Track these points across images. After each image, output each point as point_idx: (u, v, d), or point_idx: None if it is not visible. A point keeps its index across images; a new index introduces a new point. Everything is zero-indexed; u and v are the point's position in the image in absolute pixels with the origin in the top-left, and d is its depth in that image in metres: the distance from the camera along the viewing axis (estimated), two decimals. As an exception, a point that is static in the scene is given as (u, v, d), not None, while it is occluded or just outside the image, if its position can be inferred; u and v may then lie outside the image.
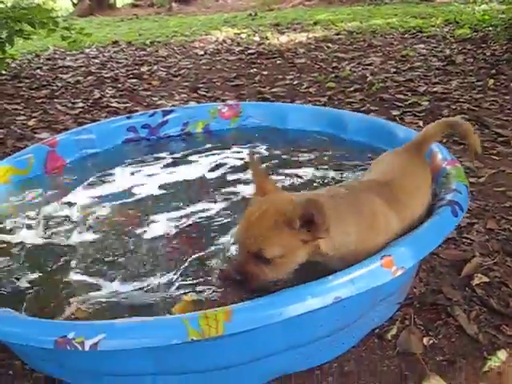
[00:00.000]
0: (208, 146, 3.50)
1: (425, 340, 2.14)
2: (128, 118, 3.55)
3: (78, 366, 1.81)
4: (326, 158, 3.15)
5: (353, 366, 2.03)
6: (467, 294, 2.36)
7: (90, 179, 3.11)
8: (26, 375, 2.05)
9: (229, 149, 3.39)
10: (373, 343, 2.14)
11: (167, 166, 3.26)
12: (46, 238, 2.55)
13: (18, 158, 3.09)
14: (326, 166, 3.05)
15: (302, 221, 1.72)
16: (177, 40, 8.89)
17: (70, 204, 2.85)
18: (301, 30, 9.26)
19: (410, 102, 5.08)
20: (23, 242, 2.52)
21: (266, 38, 8.56)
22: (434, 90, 5.43)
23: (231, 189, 2.89)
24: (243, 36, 8.79)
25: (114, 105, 5.36)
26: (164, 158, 3.35)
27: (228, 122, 3.59)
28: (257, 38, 8.61)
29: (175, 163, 3.29)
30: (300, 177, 2.96)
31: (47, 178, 3.19)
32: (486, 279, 2.44)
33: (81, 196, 2.92)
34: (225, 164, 3.21)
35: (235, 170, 3.13)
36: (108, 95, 5.73)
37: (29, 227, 2.64)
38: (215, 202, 2.76)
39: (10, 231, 2.63)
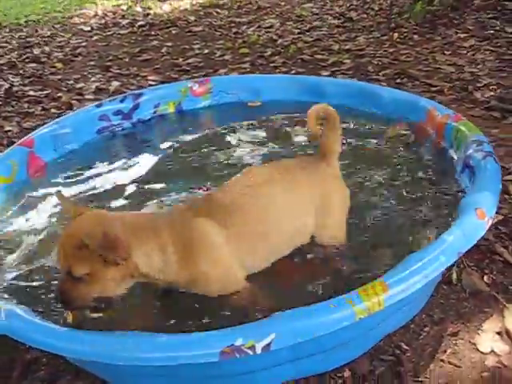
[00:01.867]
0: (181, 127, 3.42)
1: (485, 278, 2.33)
2: (98, 106, 3.33)
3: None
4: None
5: (441, 314, 2.18)
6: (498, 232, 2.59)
7: (74, 179, 3.00)
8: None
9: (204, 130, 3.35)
10: (443, 290, 2.30)
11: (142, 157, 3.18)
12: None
13: (1, 163, 2.80)
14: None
15: (100, 251, 1.73)
16: (52, 17, 8.33)
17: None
18: (180, -3, 9.07)
19: (331, 61, 5.26)
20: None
21: (149, 8, 8.30)
22: (347, 47, 5.67)
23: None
24: (124, 8, 8.45)
25: (32, 93, 4.97)
26: (139, 148, 3.26)
27: (199, 99, 3.51)
28: (139, 9, 8.33)
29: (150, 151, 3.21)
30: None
31: (32, 183, 2.94)
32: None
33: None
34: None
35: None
36: (17, 83, 5.27)
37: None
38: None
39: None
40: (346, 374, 1.96)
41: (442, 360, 2.00)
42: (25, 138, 3.06)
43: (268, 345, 1.54)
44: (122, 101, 3.41)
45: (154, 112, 3.48)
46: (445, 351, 2.03)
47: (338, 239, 2.28)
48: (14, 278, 2.25)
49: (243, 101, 3.49)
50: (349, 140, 2.95)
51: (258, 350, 1.54)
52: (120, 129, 3.37)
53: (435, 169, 2.69)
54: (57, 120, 3.26)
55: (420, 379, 1.93)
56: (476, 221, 1.92)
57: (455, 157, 2.65)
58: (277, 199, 2.11)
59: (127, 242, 1.77)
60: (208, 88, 3.52)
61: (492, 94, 4.20)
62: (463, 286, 2.32)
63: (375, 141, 2.97)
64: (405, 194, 2.53)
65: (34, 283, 2.22)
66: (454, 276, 2.35)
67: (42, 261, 2.36)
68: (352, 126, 3.11)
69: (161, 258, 1.86)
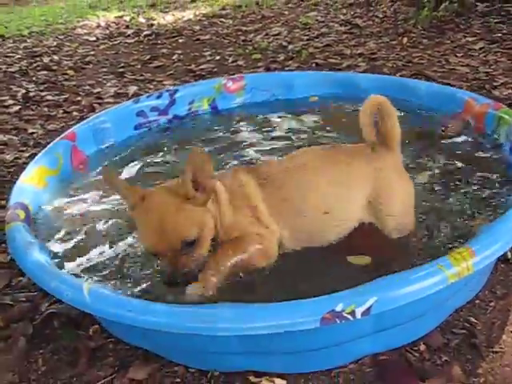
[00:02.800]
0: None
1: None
2: (135, 102, 3.36)
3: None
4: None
5: (503, 289, 2.22)
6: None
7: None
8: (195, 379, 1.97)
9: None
10: (502, 268, 2.35)
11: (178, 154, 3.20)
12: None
13: (48, 156, 2.80)
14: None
15: (193, 179, 1.84)
16: (54, 28, 8.34)
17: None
18: (182, 9, 9.15)
19: (346, 64, 5.32)
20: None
21: (153, 19, 8.34)
22: (359, 52, 5.74)
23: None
24: (127, 19, 8.48)
25: (50, 98, 4.98)
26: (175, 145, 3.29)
27: (233, 95, 3.55)
28: (142, 20, 8.37)
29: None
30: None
31: (76, 175, 2.94)
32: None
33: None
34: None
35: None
36: (32, 89, 5.27)
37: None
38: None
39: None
40: (422, 347, 1.98)
41: (513, 332, 2.02)
42: (67, 132, 3.05)
43: (368, 309, 1.56)
44: (158, 97, 3.41)
45: (189, 109, 3.49)
46: (514, 324, 2.05)
47: (403, 228, 2.27)
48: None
49: (277, 97, 3.51)
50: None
51: (358, 315, 1.56)
52: (156, 125, 3.36)
53: (483, 153, 2.72)
54: (97, 115, 3.26)
55: (495, 350, 1.96)
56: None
57: (501, 141, 2.69)
58: (322, 181, 2.14)
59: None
60: (242, 85, 3.53)
61: (510, 91, 4.26)
62: (520, 263, 2.35)
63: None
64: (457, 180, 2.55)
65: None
66: (509, 255, 2.38)
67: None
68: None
69: (221, 204, 2.02)
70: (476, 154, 2.76)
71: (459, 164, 2.67)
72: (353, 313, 1.55)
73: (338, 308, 1.55)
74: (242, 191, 2.08)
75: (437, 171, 2.63)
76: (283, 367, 1.87)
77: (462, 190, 2.49)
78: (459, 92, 3.12)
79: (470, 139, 2.89)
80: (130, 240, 2.33)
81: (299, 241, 2.15)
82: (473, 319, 2.08)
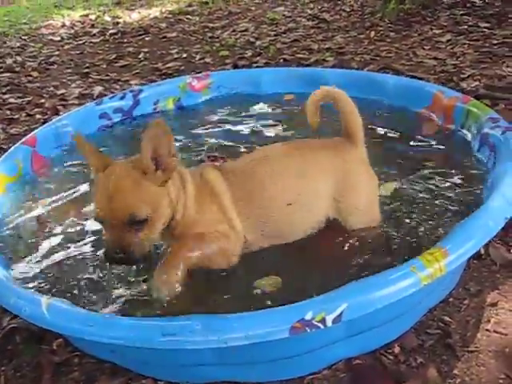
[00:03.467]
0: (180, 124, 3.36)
1: (512, 250, 2.36)
2: (98, 104, 3.26)
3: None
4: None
5: (477, 286, 2.19)
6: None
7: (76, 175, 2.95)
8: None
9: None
10: (474, 264, 2.32)
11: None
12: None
13: (7, 162, 2.70)
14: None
15: (153, 155, 1.82)
16: (18, 29, 8.14)
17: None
18: (148, 6, 9.02)
19: (314, 59, 5.28)
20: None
21: (118, 17, 8.20)
22: (327, 46, 5.70)
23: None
24: (92, 17, 8.33)
25: (12, 101, 4.84)
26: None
27: (199, 94, 3.47)
28: (108, 18, 8.22)
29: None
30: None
31: (38, 180, 2.85)
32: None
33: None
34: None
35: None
36: (-6, 92, 5.12)
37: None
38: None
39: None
40: (396, 349, 1.94)
41: (488, 330, 2.00)
42: (26, 136, 2.94)
43: (339, 316, 1.50)
44: (122, 98, 3.31)
45: (154, 109, 3.40)
46: (488, 321, 2.04)
47: (368, 224, 2.24)
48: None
49: (242, 94, 3.44)
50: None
51: (329, 323, 1.50)
52: (120, 126, 3.27)
53: (452, 151, 2.69)
54: (58, 118, 3.15)
55: (470, 349, 1.93)
56: (514, 187, 1.93)
57: (469, 137, 2.66)
58: (286, 174, 2.11)
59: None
60: (207, 83, 3.46)
61: (477, 83, 4.26)
62: (492, 259, 2.33)
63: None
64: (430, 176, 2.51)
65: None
66: (482, 250, 2.36)
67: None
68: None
69: (186, 195, 1.99)
70: (444, 152, 2.71)
71: (428, 163, 2.61)
72: (323, 320, 1.50)
73: (308, 316, 1.50)
74: (210, 187, 2.05)
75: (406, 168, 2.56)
76: (255, 376, 1.81)
77: (431, 189, 2.43)
78: (427, 86, 3.06)
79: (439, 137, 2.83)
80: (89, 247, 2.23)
81: (265, 237, 2.11)
82: (447, 318, 2.05)
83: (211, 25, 7.18)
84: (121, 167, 1.86)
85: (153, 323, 1.59)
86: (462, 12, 6.11)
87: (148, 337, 1.53)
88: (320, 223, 2.19)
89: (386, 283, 1.58)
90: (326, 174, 2.16)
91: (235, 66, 5.34)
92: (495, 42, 5.09)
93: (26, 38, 7.52)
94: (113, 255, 1.80)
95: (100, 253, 2.17)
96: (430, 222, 2.23)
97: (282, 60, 5.38)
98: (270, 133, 3.04)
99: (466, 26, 5.71)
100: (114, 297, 2.01)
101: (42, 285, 2.13)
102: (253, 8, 7.94)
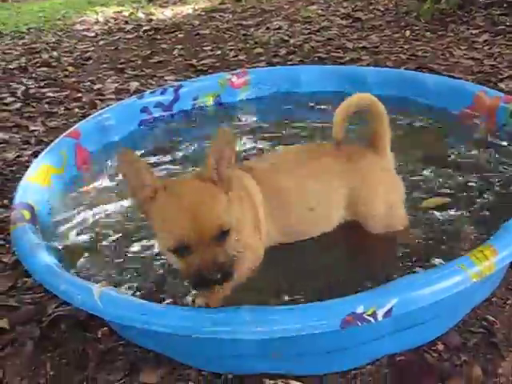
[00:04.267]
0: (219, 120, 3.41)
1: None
2: (139, 98, 3.30)
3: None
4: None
5: None
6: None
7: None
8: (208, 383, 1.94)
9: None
10: (517, 265, 2.30)
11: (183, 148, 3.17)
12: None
13: (53, 154, 2.75)
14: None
15: (214, 166, 1.72)
16: (53, 24, 8.25)
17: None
18: (181, 4, 9.07)
19: (349, 58, 5.26)
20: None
21: (151, 14, 8.26)
22: (362, 45, 5.68)
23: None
24: (125, 14, 8.41)
25: (50, 95, 4.92)
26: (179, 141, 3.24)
27: (238, 91, 3.49)
28: (141, 15, 8.29)
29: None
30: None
31: (81, 174, 2.90)
32: None
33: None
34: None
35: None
36: (32, 86, 5.21)
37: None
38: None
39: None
40: (440, 347, 1.94)
41: (532, 330, 1.97)
42: (70, 129, 3.00)
43: (389, 311, 1.51)
44: (162, 93, 3.35)
45: (194, 104, 3.44)
46: (532, 321, 2.01)
47: (391, 228, 2.26)
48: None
49: (282, 92, 3.45)
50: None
51: (380, 317, 1.51)
52: (160, 121, 3.31)
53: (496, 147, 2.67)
54: (100, 112, 3.20)
55: (515, 349, 1.90)
56: None
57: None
58: (302, 175, 2.13)
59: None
60: (246, 80, 3.48)
61: (516, 84, 4.21)
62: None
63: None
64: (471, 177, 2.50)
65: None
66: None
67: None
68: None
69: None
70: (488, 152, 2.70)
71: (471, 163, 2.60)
72: (374, 314, 1.51)
73: (359, 310, 1.51)
74: (247, 192, 2.05)
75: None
76: (299, 369, 1.83)
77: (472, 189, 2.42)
78: (467, 85, 3.05)
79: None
80: (138, 241, 2.27)
81: (287, 236, 2.16)
82: (491, 317, 2.05)
83: (244, 22, 7.20)
84: (188, 182, 1.75)
85: (203, 313, 1.61)
86: (498, 12, 6.05)
87: (199, 326, 1.55)
88: (335, 225, 2.24)
89: (437, 279, 1.59)
90: (340, 183, 2.18)
91: (269, 64, 5.34)
92: (533, 42, 5.02)
93: (60, 33, 7.63)
94: (211, 277, 1.61)
95: (184, 282, 2.02)
96: (476, 223, 2.22)
97: (316, 58, 5.37)
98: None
99: (503, 27, 5.66)
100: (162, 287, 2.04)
101: (90, 273, 2.15)
102: (286, 6, 7.94)
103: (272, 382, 1.87)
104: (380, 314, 1.51)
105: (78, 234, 2.41)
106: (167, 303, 1.91)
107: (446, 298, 1.63)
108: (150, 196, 1.69)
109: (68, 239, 2.38)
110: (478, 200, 2.38)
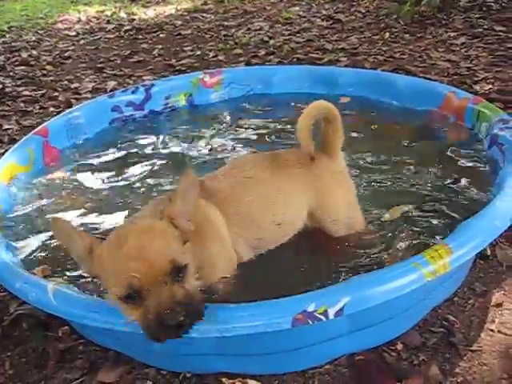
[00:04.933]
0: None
1: (518, 252, 2.35)
2: (110, 97, 3.28)
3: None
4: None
5: (482, 287, 2.19)
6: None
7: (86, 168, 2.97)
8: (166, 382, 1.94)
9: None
10: (481, 265, 2.32)
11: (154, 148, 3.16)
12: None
13: (19, 152, 2.73)
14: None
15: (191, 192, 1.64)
16: (34, 23, 8.21)
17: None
18: (163, 4, 9.05)
19: (327, 59, 5.28)
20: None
21: (134, 14, 8.24)
22: (341, 46, 5.69)
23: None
24: (108, 13, 8.38)
25: (26, 93, 4.88)
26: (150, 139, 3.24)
27: (210, 90, 3.48)
28: (123, 15, 8.26)
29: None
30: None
31: (48, 172, 2.88)
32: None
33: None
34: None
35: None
36: (9, 84, 5.17)
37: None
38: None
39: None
40: (399, 346, 1.95)
41: (492, 330, 2.00)
42: (39, 127, 2.98)
43: (341, 309, 1.51)
44: (133, 92, 3.34)
45: (166, 104, 3.42)
46: (493, 321, 2.03)
47: (350, 230, 2.25)
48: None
49: (255, 93, 3.45)
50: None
51: (331, 316, 1.50)
52: (132, 120, 3.30)
53: (462, 148, 2.69)
54: (70, 110, 3.18)
55: (473, 348, 1.92)
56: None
57: (479, 138, 2.66)
58: (265, 189, 2.09)
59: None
60: (219, 79, 3.47)
61: (490, 87, 4.24)
62: (499, 260, 2.33)
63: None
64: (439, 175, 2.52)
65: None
66: (488, 252, 2.36)
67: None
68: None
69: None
70: (455, 152, 2.71)
71: (438, 162, 2.62)
72: (325, 313, 1.50)
73: (310, 308, 1.50)
74: (209, 221, 1.93)
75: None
76: (257, 368, 1.83)
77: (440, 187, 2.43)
78: (439, 86, 3.06)
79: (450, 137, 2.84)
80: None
81: (252, 249, 2.10)
82: (451, 317, 2.05)
83: (226, 23, 7.20)
84: (131, 226, 1.64)
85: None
86: (477, 15, 6.09)
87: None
88: (296, 231, 2.20)
89: (390, 278, 1.58)
90: (301, 190, 2.16)
91: (248, 64, 5.34)
92: (510, 45, 5.05)
93: (41, 32, 7.59)
94: (173, 319, 1.43)
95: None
96: (436, 222, 2.23)
97: (295, 59, 5.39)
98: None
99: (481, 30, 5.69)
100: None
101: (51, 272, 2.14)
102: (268, 7, 7.95)
103: (230, 381, 1.86)
104: (331, 312, 1.51)
105: (39, 232, 2.36)
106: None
107: (401, 297, 1.62)
108: (88, 253, 1.57)
109: (30, 237, 2.33)
110: (439, 198, 2.37)
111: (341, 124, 2.15)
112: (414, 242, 2.11)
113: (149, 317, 1.45)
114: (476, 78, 4.41)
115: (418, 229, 2.21)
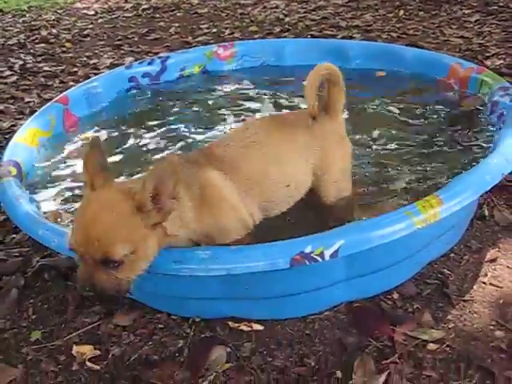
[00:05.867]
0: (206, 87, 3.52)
1: (515, 213, 2.45)
2: (127, 67, 3.42)
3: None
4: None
5: (478, 244, 2.30)
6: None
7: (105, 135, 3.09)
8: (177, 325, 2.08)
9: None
10: (478, 225, 2.42)
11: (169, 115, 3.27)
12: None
13: (41, 118, 2.88)
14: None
15: (153, 193, 1.57)
16: (54, 3, 8.35)
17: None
18: (182, -17, 9.09)
19: (341, 36, 5.34)
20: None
21: (151, -7, 8.32)
22: (355, 24, 5.75)
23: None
24: (126, -8, 8.46)
25: (47, 69, 5.04)
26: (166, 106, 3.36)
27: (224, 63, 3.60)
28: (141, -6, 8.34)
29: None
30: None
31: (68, 137, 3.03)
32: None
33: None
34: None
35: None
36: (30, 61, 5.33)
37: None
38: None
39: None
40: (395, 296, 2.06)
41: (484, 282, 2.11)
42: (60, 95, 3.12)
43: (336, 252, 1.63)
44: (149, 63, 3.47)
45: (181, 75, 3.55)
46: (485, 275, 2.14)
47: (341, 193, 2.29)
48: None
49: (268, 64, 3.56)
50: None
51: (327, 257, 1.63)
52: (148, 89, 3.44)
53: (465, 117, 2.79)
54: (89, 80, 3.32)
55: (465, 298, 2.03)
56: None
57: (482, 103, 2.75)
58: (272, 152, 2.11)
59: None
60: (232, 52, 3.58)
61: (501, 62, 4.30)
62: (496, 220, 2.43)
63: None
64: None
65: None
66: (486, 213, 2.46)
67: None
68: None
69: (182, 214, 1.77)
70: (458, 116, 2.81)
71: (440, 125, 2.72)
72: (321, 254, 1.63)
73: (307, 250, 1.63)
74: (214, 190, 1.92)
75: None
76: (261, 314, 1.95)
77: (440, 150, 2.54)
78: (445, 58, 3.15)
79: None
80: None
81: (268, 211, 2.14)
82: (446, 271, 2.16)
83: (242, 1, 7.27)
84: (111, 193, 1.60)
85: (166, 252, 1.74)
86: (493, -8, 6.08)
87: (161, 264, 1.68)
88: (304, 192, 2.26)
89: (382, 224, 1.71)
90: (305, 150, 2.21)
91: (263, 41, 5.42)
92: (524, 21, 5.08)
93: (61, 11, 7.73)
94: (82, 293, 1.59)
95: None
96: (430, 181, 2.34)
97: (309, 36, 5.45)
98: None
99: (495, 7, 5.70)
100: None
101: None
102: (284, -15, 7.96)
103: (236, 324, 2.00)
104: (327, 254, 1.63)
105: (59, 192, 2.53)
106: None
107: (395, 245, 1.74)
108: (86, 189, 1.67)
109: (50, 194, 2.49)
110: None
111: (343, 86, 2.22)
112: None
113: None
114: (487, 54, 4.47)
115: (416, 184, 2.30)
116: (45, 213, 2.23)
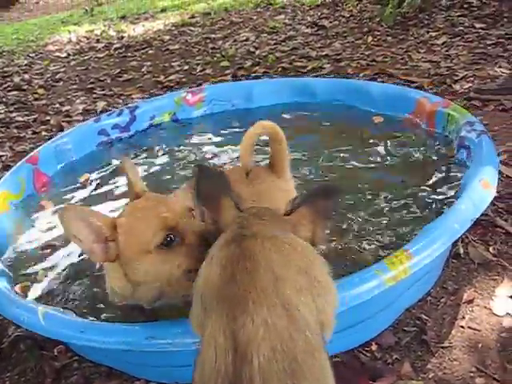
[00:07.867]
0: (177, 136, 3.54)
1: (490, 249, 2.46)
2: (96, 121, 3.41)
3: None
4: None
5: (454, 285, 2.31)
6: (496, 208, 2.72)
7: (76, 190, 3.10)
8: None
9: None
10: (453, 263, 2.43)
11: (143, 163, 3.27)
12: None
13: (11, 180, 2.85)
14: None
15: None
16: (26, 46, 8.36)
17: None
18: (152, 19, 9.19)
19: (311, 67, 5.39)
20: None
21: (123, 31, 8.38)
22: (325, 53, 5.81)
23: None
24: (97, 32, 8.52)
25: (19, 119, 5.02)
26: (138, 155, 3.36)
27: (193, 108, 3.60)
28: (113, 33, 8.41)
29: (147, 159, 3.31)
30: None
31: (39, 198, 3.01)
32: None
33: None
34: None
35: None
36: (2, 111, 5.32)
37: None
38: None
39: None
40: (374, 347, 2.05)
41: (462, 326, 2.10)
42: (29, 155, 3.11)
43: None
44: (118, 114, 3.47)
45: (151, 124, 3.55)
46: (463, 318, 2.13)
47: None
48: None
49: (237, 108, 3.57)
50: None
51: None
52: (118, 141, 3.43)
53: (432, 152, 2.80)
54: (58, 136, 3.31)
55: (444, 345, 2.02)
56: (482, 190, 2.04)
57: (449, 140, 2.77)
58: None
59: None
60: (201, 97, 3.59)
61: (470, 85, 4.35)
62: (471, 258, 2.43)
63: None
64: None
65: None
66: (461, 250, 2.46)
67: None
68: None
69: None
70: (426, 154, 2.82)
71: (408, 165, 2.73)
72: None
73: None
74: None
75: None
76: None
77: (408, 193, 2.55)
78: (412, 92, 3.18)
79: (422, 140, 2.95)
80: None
81: None
82: (424, 316, 2.15)
83: (213, 35, 7.33)
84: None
85: (137, 328, 1.71)
86: (458, 13, 6.20)
87: (132, 341, 1.66)
88: None
89: (352, 285, 1.70)
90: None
91: (234, 77, 5.47)
92: (489, 42, 5.18)
93: (33, 55, 7.73)
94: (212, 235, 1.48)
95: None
96: (402, 228, 2.35)
97: (280, 69, 5.49)
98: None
99: (461, 28, 5.80)
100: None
101: (42, 296, 2.26)
102: (254, 17, 8.08)
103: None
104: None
105: (33, 259, 2.49)
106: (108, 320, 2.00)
107: (368, 301, 1.73)
108: (113, 228, 1.67)
109: (23, 263, 2.46)
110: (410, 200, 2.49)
111: (286, 145, 2.22)
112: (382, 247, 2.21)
113: (194, 250, 1.61)
114: (456, 78, 4.52)
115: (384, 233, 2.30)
116: (15, 284, 2.17)
